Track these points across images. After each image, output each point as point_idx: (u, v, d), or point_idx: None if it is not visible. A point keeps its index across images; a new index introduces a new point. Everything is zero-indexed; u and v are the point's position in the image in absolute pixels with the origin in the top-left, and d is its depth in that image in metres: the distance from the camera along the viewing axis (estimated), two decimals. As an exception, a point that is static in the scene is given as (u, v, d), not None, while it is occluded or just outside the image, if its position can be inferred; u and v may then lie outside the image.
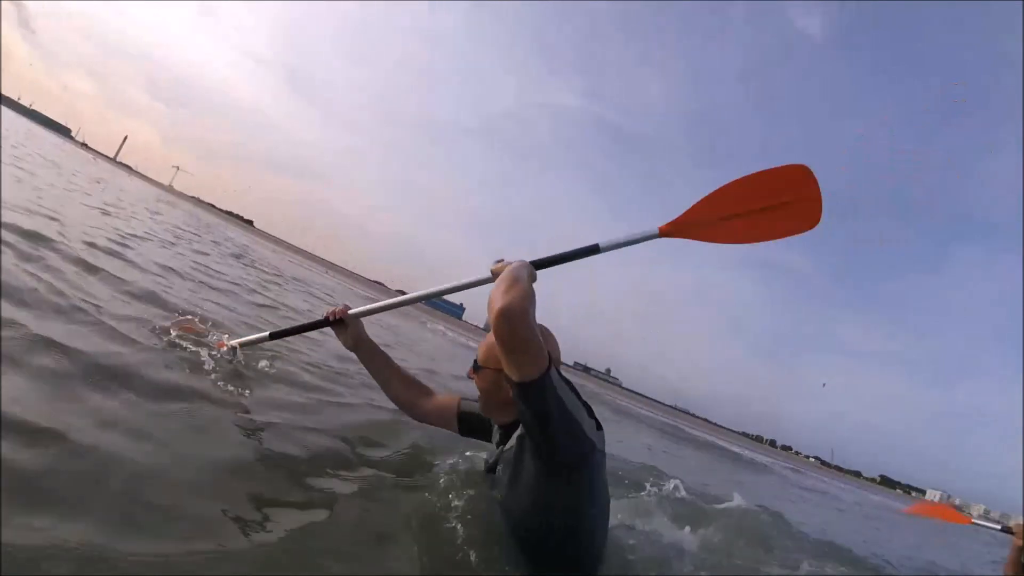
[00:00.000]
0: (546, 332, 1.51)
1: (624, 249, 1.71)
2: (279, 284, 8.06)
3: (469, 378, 1.63)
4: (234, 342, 2.12)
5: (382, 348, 1.99)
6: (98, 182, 13.07)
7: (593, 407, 1.38)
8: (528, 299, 1.23)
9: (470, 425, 1.85)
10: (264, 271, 9.28)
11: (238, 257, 9.87)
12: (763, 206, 1.71)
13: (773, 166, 1.73)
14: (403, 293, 2.22)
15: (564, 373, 1.37)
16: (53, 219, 4.00)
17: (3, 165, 4.66)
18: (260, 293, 5.59)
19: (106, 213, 6.44)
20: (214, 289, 4.42)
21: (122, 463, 1.21)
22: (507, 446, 1.52)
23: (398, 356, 2.39)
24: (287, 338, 2.19)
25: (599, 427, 1.39)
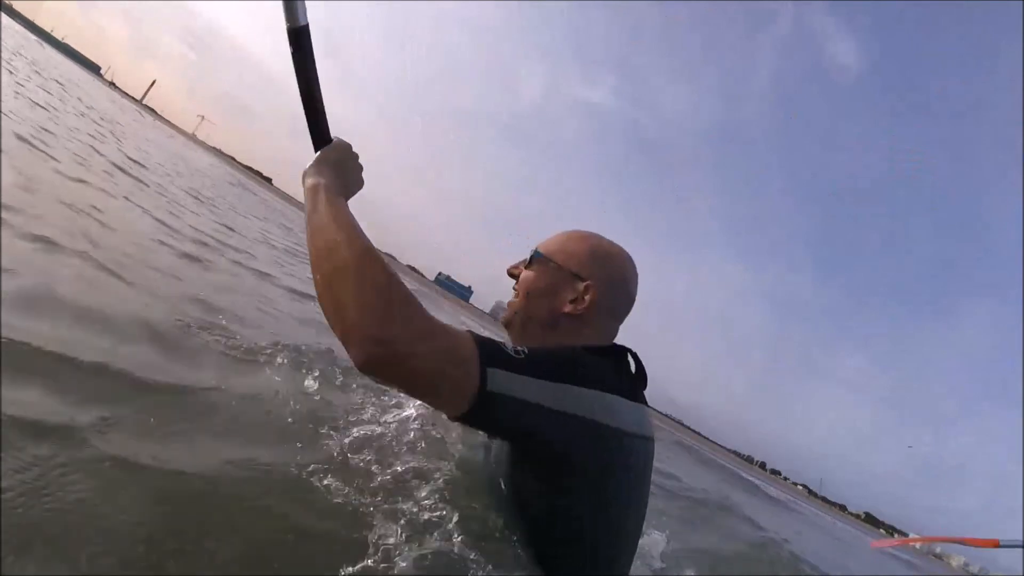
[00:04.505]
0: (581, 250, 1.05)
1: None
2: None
3: (511, 275, 1.11)
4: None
5: None
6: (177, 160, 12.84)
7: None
8: (382, 306, 0.69)
9: None
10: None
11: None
12: None
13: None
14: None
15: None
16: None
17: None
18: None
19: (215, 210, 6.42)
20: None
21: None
22: None
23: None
24: None
25: (636, 397, 0.93)
